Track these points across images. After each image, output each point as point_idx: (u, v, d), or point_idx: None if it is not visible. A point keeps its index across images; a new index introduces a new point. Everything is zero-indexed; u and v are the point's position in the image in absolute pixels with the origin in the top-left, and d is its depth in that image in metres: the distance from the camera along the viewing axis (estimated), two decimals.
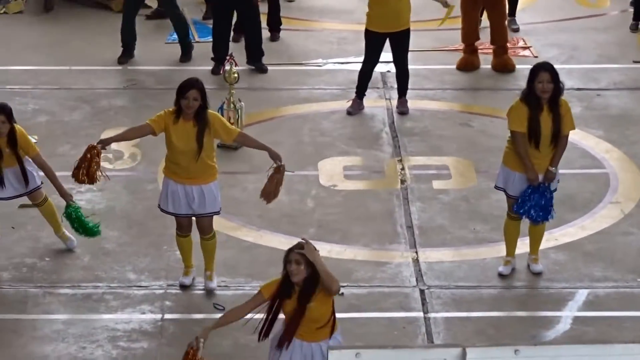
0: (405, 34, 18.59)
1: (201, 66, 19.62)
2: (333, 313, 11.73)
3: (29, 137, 15.85)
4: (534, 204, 14.43)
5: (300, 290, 11.35)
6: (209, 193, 14.11)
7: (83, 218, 14.82)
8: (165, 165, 14.25)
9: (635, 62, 19.80)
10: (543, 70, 14.32)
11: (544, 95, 14.17)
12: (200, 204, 14.09)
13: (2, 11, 23.04)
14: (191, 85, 13.99)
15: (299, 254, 11.38)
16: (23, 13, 23.27)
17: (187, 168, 14.00)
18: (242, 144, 14.44)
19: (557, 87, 14.25)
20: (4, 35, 21.49)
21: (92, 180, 13.95)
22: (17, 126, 14.73)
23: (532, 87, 14.28)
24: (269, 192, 14.03)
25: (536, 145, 14.20)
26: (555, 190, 14.60)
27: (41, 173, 14.90)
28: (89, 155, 13.85)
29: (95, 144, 13.94)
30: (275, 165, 13.87)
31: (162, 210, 14.36)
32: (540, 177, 14.41)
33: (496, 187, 14.91)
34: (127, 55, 20.10)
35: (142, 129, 14.23)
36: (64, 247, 15.16)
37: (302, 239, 11.48)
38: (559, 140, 14.32)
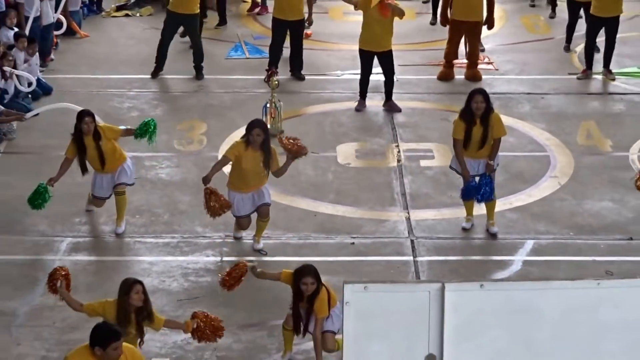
0: (388, 53, 18.38)
1: (253, 76, 19.34)
2: (329, 292, 11.62)
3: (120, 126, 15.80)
4: (477, 191, 14.60)
5: None
6: (266, 191, 14.17)
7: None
8: (230, 181, 14.16)
9: (569, 74, 19.65)
10: (478, 93, 14.57)
11: (477, 112, 14.32)
12: (260, 198, 14.02)
13: (137, 14, 22.72)
14: (255, 125, 14.04)
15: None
16: (153, 15, 23.33)
17: (253, 182, 14.02)
18: (274, 174, 14.16)
19: (488, 106, 14.39)
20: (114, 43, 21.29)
21: (215, 214, 13.85)
22: (99, 121, 14.56)
23: (469, 106, 14.36)
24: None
25: (466, 148, 14.37)
26: (495, 170, 14.76)
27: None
28: (208, 197, 13.92)
29: (205, 186, 13.92)
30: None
31: (235, 216, 14.23)
32: (479, 166, 14.53)
33: (450, 167, 15.02)
34: (158, 71, 19.50)
35: (223, 161, 14.21)
36: (150, 207, 15.01)
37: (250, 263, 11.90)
38: (490, 143, 14.46)
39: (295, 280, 11.52)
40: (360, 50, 18.52)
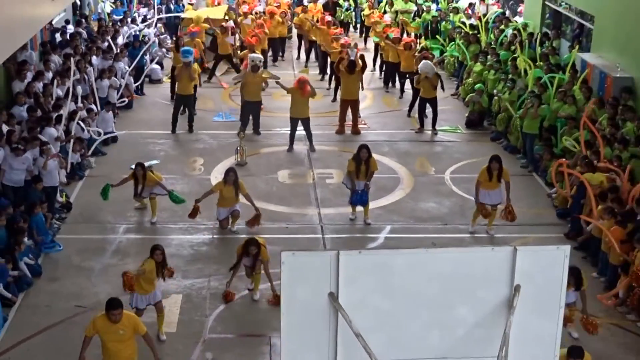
0: (307, 119, 18.10)
1: (229, 131, 19.19)
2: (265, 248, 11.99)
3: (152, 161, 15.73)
4: (359, 199, 14.54)
5: None
6: (237, 205, 14.07)
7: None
8: (218, 202, 14.02)
9: (411, 129, 19.65)
10: (363, 147, 14.49)
11: (363, 158, 14.34)
12: (233, 209, 14.03)
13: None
14: (229, 171, 14.03)
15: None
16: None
17: (229, 203, 13.96)
18: (245, 197, 14.01)
19: (369, 154, 14.35)
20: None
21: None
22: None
23: (358, 154, 14.42)
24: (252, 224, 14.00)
25: (358, 177, 14.32)
26: (369, 188, 14.59)
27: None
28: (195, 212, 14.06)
29: (195, 205, 13.97)
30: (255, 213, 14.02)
31: (218, 220, 14.15)
32: (360, 185, 14.41)
33: (342, 183, 15.04)
34: (174, 130, 18.96)
35: (210, 192, 14.06)
36: (171, 206, 14.72)
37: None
38: (370, 174, 14.42)
39: (244, 247, 11.84)
40: (291, 118, 18.13)
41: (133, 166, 14.82)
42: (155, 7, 27.49)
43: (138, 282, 10.85)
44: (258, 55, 19.59)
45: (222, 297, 12.04)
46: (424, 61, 19.86)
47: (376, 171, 14.68)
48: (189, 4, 28.54)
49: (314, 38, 24.53)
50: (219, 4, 27.40)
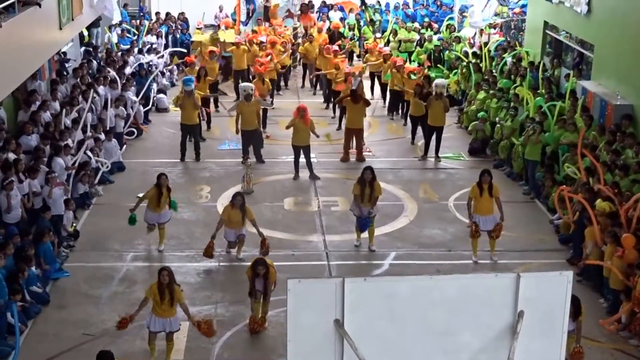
0: (308, 147, 18.14)
1: (234, 159, 19.28)
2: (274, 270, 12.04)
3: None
4: (365, 225, 14.54)
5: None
6: (244, 229, 14.07)
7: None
8: (225, 223, 13.98)
9: (414, 157, 19.77)
10: (367, 169, 14.57)
11: (367, 179, 14.35)
12: (239, 232, 14.03)
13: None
14: (236, 195, 14.08)
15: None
16: None
17: (236, 226, 13.99)
18: (251, 222, 13.99)
19: (373, 175, 14.39)
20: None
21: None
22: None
23: (362, 176, 14.45)
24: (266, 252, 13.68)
25: (362, 200, 14.31)
26: (374, 216, 14.58)
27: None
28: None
29: (211, 240, 13.86)
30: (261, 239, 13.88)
31: (227, 238, 14.16)
32: (367, 211, 14.40)
33: (350, 210, 14.94)
34: (183, 158, 19.09)
35: (221, 222, 13.95)
36: (178, 234, 14.85)
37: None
38: (374, 199, 14.40)
39: (253, 268, 11.85)
40: (293, 145, 18.21)
41: (142, 195, 14.87)
42: (163, 36, 27.74)
43: (155, 303, 10.96)
44: (249, 84, 19.68)
45: (247, 327, 12.04)
46: (438, 79, 20.03)
47: (380, 196, 14.65)
48: (197, 28, 28.87)
49: (319, 67, 24.70)
50: (226, 28, 27.77)
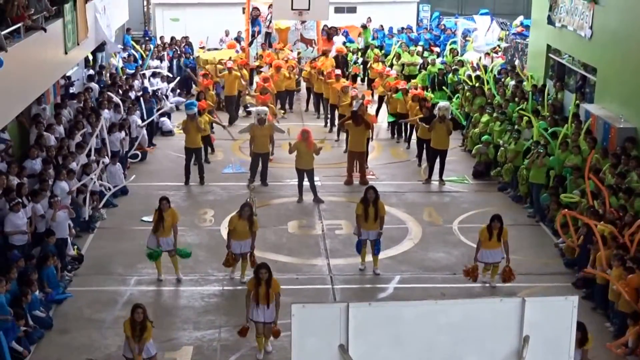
0: (312, 170, 18.11)
1: (239, 183, 19.27)
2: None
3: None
4: (376, 248, 14.51)
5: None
6: (249, 242, 13.96)
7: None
8: (230, 235, 13.98)
9: (418, 180, 19.76)
10: (370, 188, 14.59)
11: (370, 199, 14.32)
12: (245, 247, 13.94)
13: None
14: (245, 205, 14.02)
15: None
16: None
17: (242, 237, 13.89)
18: (252, 233, 13.94)
19: (376, 195, 14.38)
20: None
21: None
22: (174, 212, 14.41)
23: (365, 196, 14.42)
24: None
25: (366, 220, 14.28)
26: (380, 236, 14.58)
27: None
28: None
29: (228, 250, 13.94)
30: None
31: (232, 251, 13.96)
32: (373, 235, 14.44)
33: (354, 233, 14.89)
34: (187, 182, 19.08)
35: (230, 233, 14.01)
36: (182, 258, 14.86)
37: None
38: (381, 218, 14.39)
39: (255, 273, 11.74)
40: (296, 168, 18.19)
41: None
42: (166, 59, 27.86)
43: (126, 339, 11.02)
44: (264, 108, 19.70)
45: (237, 333, 11.94)
46: (442, 102, 20.07)
47: (385, 215, 14.62)
48: (200, 47, 29.05)
49: (319, 92, 24.82)
50: (230, 47, 28.06)
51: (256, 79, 25.73)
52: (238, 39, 29.85)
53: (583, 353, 10.51)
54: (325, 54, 27.32)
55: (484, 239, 14.04)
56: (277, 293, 11.74)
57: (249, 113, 23.81)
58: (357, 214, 14.49)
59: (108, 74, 25.17)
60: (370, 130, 19.78)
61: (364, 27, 31.70)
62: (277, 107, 24.11)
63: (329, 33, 30.04)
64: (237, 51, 27.86)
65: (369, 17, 32.45)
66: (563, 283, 14.31)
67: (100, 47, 24.81)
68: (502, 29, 29.21)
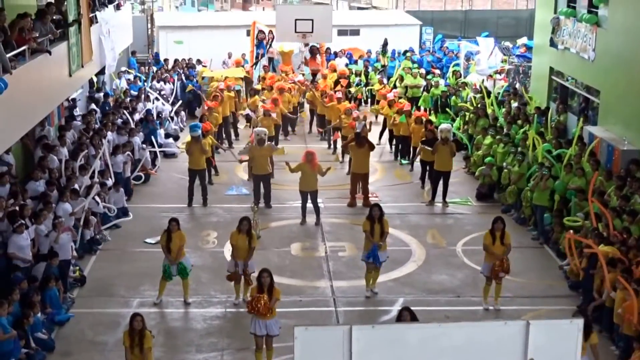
0: (315, 192, 18.10)
1: (242, 205, 19.22)
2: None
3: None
4: (373, 258, 14.34)
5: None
6: (251, 264, 13.99)
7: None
8: (232, 254, 14.00)
9: (422, 202, 19.73)
10: (375, 206, 14.59)
11: (375, 216, 14.31)
12: (245, 267, 13.93)
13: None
14: (243, 220, 13.99)
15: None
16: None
17: (242, 254, 13.86)
18: (251, 249, 13.90)
19: (381, 212, 14.39)
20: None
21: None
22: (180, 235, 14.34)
23: (370, 213, 14.38)
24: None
25: (373, 236, 14.20)
26: (387, 257, 14.58)
27: None
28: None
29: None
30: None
31: (230, 271, 13.98)
32: (383, 256, 14.44)
33: (362, 260, 14.78)
34: (190, 204, 19.11)
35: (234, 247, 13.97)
36: (192, 281, 14.78)
37: None
38: (384, 234, 14.33)
39: (258, 279, 11.83)
40: (300, 191, 18.19)
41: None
42: (171, 82, 27.96)
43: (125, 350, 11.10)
44: (263, 129, 19.70)
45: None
46: (444, 124, 20.12)
47: (388, 232, 14.61)
48: (203, 66, 29.18)
49: (321, 114, 24.89)
50: (235, 64, 28.20)
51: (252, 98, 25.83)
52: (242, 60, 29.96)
53: (592, 348, 10.59)
54: (318, 74, 27.48)
55: (489, 244, 14.05)
56: (277, 299, 11.85)
57: (248, 120, 23.96)
58: (365, 230, 14.46)
59: (114, 96, 25.29)
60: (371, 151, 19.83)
61: (384, 50, 31.61)
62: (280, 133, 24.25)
63: (313, 51, 30.06)
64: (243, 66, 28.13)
65: (386, 39, 32.18)
66: (567, 306, 14.24)
67: (101, 70, 24.91)
68: (504, 54, 29.29)
